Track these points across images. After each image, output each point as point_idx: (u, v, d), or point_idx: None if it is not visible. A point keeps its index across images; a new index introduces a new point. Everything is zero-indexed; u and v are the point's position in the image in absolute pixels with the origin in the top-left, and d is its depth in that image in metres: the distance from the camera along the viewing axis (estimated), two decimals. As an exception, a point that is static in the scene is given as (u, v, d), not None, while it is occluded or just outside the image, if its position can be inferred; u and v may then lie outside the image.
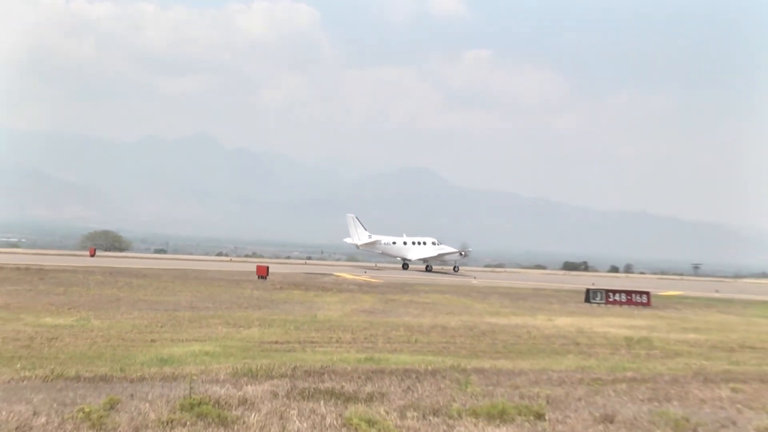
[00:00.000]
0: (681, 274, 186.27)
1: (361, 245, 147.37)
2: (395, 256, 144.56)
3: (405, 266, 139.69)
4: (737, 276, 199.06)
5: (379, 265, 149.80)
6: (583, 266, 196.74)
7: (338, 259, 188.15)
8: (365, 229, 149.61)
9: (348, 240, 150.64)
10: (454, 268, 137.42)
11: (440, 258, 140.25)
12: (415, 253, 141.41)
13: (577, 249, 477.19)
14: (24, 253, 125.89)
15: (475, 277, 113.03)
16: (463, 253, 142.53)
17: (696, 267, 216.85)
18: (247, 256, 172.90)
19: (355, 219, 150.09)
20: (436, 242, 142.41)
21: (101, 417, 15.26)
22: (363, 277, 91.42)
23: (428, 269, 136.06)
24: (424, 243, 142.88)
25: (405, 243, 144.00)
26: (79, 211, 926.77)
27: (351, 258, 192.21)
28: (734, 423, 17.79)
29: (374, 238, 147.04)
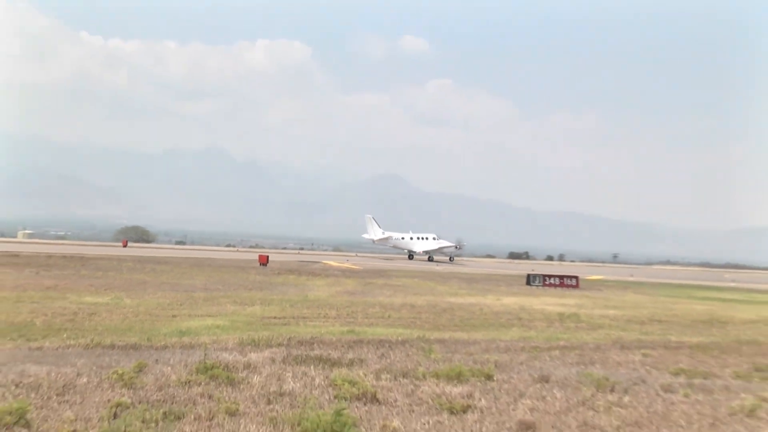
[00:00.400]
0: (603, 262, 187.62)
1: (377, 240, 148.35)
2: (403, 249, 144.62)
3: (410, 257, 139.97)
4: (648, 263, 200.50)
5: (372, 255, 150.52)
6: (524, 255, 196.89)
7: (325, 250, 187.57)
8: (380, 227, 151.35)
9: (365, 236, 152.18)
10: (450, 258, 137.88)
11: (440, 250, 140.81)
12: (419, 247, 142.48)
13: (520, 241, 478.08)
14: (68, 244, 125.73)
15: (438, 264, 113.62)
16: (458, 246, 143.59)
17: (615, 256, 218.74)
18: (251, 247, 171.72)
19: (372, 219, 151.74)
20: (437, 237, 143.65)
21: (132, 378, 15.32)
22: (346, 265, 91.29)
23: (430, 259, 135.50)
24: (427, 238, 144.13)
25: (411, 238, 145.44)
26: (113, 210, 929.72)
27: (336, 249, 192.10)
28: (644, 381, 17.95)
29: (387, 234, 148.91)
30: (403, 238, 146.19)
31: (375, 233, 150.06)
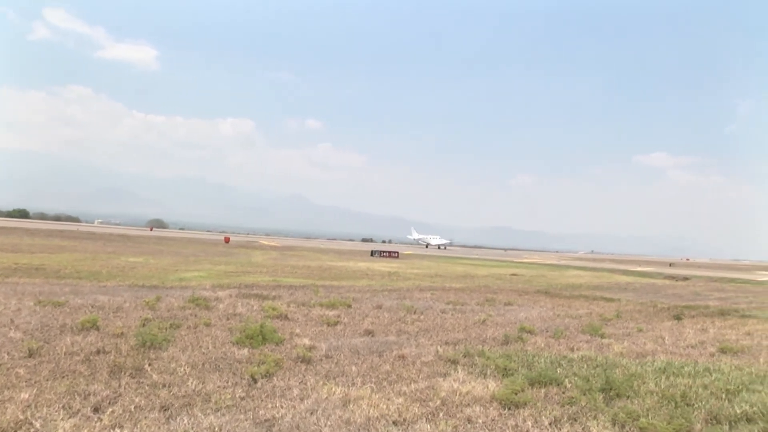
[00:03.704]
0: (411, 244, 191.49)
1: (415, 238, 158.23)
2: (426, 243, 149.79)
3: (427, 246, 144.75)
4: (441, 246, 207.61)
5: (289, 238, 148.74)
6: (370, 239, 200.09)
7: (259, 235, 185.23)
8: (417, 232, 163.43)
9: (409, 236, 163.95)
10: (445, 248, 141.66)
11: (443, 244, 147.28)
12: (434, 242, 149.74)
13: (371, 232, 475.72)
14: (121, 228, 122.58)
15: (331, 246, 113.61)
16: (449, 242, 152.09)
17: (417, 240, 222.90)
18: (221, 232, 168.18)
19: (413, 228, 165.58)
20: (440, 237, 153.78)
21: (153, 304, 14.65)
22: (272, 243, 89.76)
23: (438, 248, 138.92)
24: (436, 237, 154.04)
25: (430, 237, 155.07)
26: (148, 209, 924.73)
27: (267, 234, 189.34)
28: (431, 307, 18.22)
29: (419, 235, 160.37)
30: (426, 237, 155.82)
31: (414, 235, 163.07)
